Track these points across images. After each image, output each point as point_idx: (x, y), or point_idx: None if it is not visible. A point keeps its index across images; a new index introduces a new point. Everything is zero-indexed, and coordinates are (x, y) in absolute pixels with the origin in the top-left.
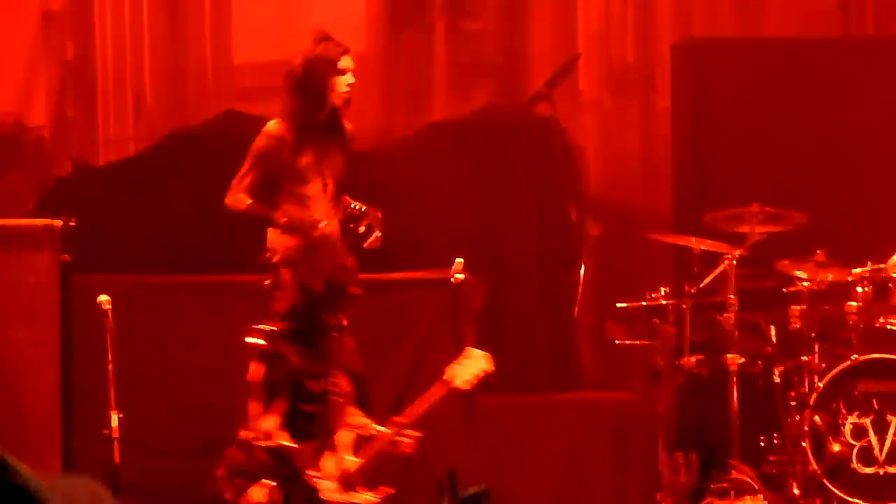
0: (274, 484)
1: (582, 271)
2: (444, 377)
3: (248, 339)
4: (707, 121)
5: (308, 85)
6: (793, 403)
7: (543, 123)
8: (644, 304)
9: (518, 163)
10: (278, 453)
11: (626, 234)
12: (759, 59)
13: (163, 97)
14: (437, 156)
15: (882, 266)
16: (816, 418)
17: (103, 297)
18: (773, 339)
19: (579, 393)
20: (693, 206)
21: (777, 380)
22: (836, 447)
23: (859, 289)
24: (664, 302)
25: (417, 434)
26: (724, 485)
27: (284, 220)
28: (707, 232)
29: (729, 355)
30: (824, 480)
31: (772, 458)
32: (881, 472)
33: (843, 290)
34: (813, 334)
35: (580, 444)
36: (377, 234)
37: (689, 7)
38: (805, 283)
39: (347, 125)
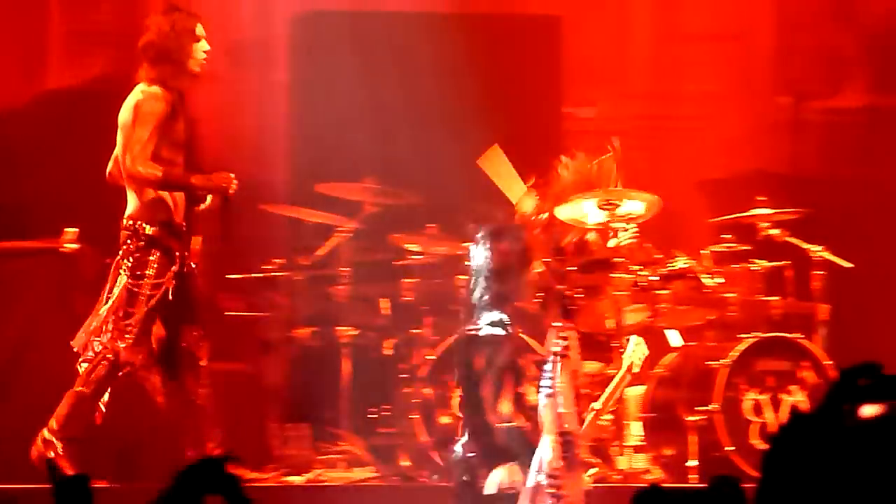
0: (515, 464)
1: (197, 243)
2: (624, 363)
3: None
4: (323, 93)
5: (170, 53)
6: (404, 376)
7: None
8: (258, 275)
9: None
10: (518, 434)
11: (241, 206)
12: (377, 33)
13: None
14: (51, 124)
15: None
16: (427, 391)
17: None
18: (386, 312)
19: None
20: (308, 178)
21: (389, 352)
22: (445, 420)
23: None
24: (278, 274)
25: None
26: (335, 456)
27: (200, 181)
28: (322, 205)
29: (340, 327)
30: (433, 452)
31: (382, 431)
32: None
33: (455, 264)
34: (425, 307)
35: None
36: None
37: None
38: (417, 257)
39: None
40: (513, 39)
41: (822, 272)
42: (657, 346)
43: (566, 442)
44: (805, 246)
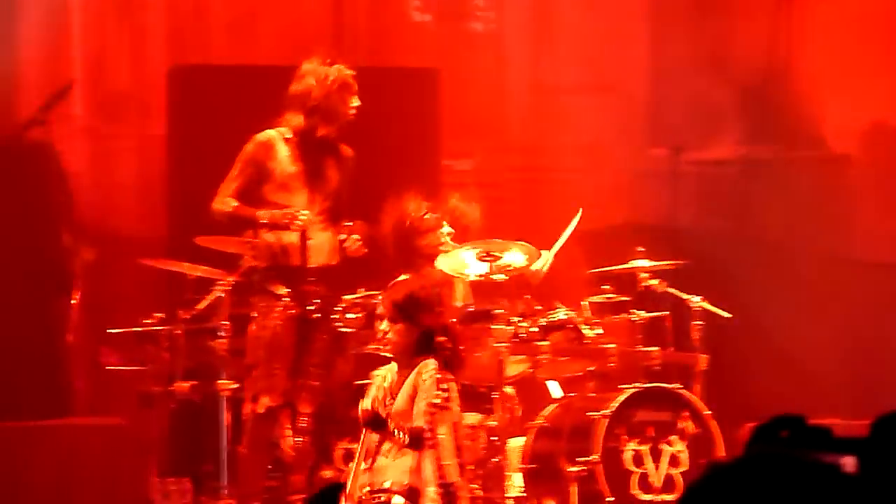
0: None
1: (76, 297)
2: None
3: None
4: (201, 147)
5: (321, 104)
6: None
7: (37, 148)
8: (138, 329)
9: (9, 187)
10: None
11: (120, 260)
12: (252, 86)
13: None
14: None
15: (374, 293)
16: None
17: None
18: None
19: (70, 418)
20: (187, 231)
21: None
22: (327, 473)
23: (350, 315)
24: (158, 328)
25: None
26: None
27: (267, 216)
28: (202, 258)
29: (221, 381)
30: None
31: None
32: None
33: None
34: None
35: (70, 470)
36: (355, 237)
37: (184, 35)
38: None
39: (346, 148)
40: (391, 92)
41: (700, 322)
42: (537, 397)
43: (447, 493)
44: (684, 296)
